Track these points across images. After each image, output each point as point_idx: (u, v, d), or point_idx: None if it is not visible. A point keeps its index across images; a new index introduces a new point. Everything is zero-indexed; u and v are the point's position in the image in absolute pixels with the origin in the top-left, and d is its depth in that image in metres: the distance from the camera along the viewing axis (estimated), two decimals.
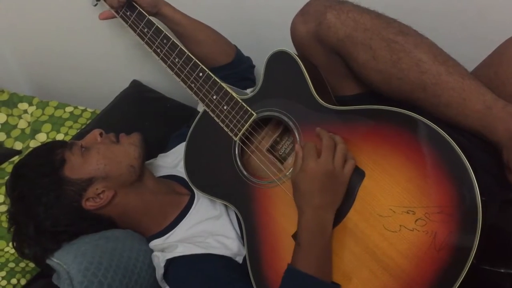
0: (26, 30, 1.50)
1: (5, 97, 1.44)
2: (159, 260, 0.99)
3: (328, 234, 0.86)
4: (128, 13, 1.10)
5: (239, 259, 1.01)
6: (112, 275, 0.94)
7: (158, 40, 1.06)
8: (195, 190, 1.07)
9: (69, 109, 1.44)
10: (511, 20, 1.08)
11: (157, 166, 1.19)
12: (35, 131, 1.40)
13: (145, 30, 1.08)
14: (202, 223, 1.05)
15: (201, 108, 1.05)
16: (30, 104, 1.45)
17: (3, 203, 1.25)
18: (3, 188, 1.20)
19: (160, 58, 1.06)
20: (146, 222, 1.05)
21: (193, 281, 0.95)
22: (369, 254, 0.84)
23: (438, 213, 0.79)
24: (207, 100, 1.01)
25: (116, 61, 1.51)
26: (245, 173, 0.98)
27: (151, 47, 1.08)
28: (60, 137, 1.39)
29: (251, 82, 1.25)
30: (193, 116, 1.07)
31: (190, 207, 1.07)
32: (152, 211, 1.05)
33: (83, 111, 1.45)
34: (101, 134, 1.05)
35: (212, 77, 1.00)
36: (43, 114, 1.43)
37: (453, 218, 0.78)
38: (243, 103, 0.98)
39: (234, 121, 0.99)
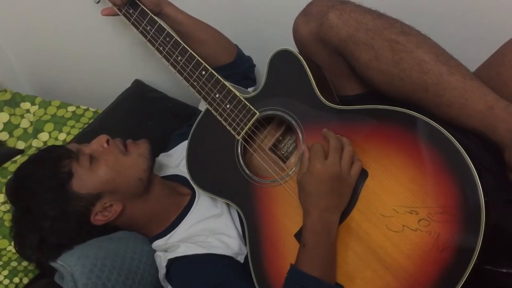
0: (29, 30, 1.50)
1: (7, 96, 1.45)
2: (161, 260, 0.99)
3: (333, 236, 0.85)
4: (130, 11, 1.10)
5: (241, 258, 1.01)
6: (116, 277, 0.94)
7: (161, 38, 1.06)
8: (196, 189, 1.07)
9: (71, 108, 1.44)
10: None
11: (159, 166, 1.19)
12: (38, 130, 1.41)
13: (148, 28, 1.08)
14: (203, 221, 1.05)
15: (202, 107, 1.05)
16: (33, 103, 1.46)
17: (5, 202, 1.24)
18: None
19: (163, 56, 1.06)
20: (150, 225, 1.05)
21: (195, 281, 0.95)
22: (371, 254, 0.84)
23: (441, 213, 0.79)
24: (209, 99, 1.01)
25: (118, 60, 1.51)
26: (247, 172, 0.98)
27: (153, 45, 1.07)
28: (62, 136, 1.39)
29: (252, 82, 1.25)
30: (194, 115, 1.07)
31: (191, 206, 1.07)
32: (157, 215, 1.05)
33: (85, 110, 1.45)
34: (107, 141, 1.02)
35: (215, 75, 1.00)
36: (45, 113, 1.43)
37: (456, 219, 0.78)
38: (246, 102, 0.98)
39: (237, 120, 0.99)
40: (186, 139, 1.06)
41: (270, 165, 0.98)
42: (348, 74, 0.98)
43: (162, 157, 1.23)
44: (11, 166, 1.32)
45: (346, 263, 0.86)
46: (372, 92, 0.96)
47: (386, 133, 0.86)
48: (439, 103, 0.85)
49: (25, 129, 1.44)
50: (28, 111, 1.45)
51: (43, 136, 1.40)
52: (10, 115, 1.43)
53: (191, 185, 1.08)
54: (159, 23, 1.07)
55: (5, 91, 1.46)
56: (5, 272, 1.12)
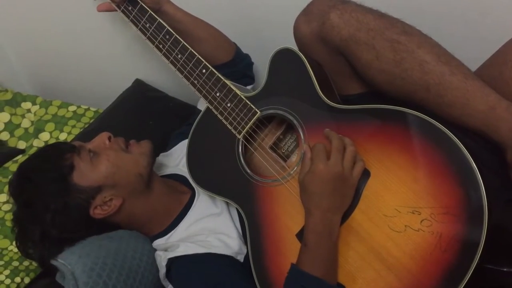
0: (29, 30, 1.50)
1: (8, 96, 1.45)
2: (161, 259, 1.00)
3: (335, 236, 0.85)
4: (129, 8, 1.09)
5: (240, 258, 1.01)
6: (117, 275, 0.94)
7: (161, 36, 1.05)
8: (196, 188, 1.07)
9: (72, 108, 1.44)
10: None
11: (159, 165, 1.19)
12: (39, 130, 1.41)
13: (147, 25, 1.07)
14: (202, 220, 1.05)
15: (201, 105, 1.05)
16: (34, 103, 1.46)
17: (7, 202, 1.25)
18: (7, 187, 1.20)
19: (163, 54, 1.05)
20: (150, 223, 1.05)
21: (195, 280, 0.95)
22: (373, 254, 0.84)
23: (444, 213, 0.79)
24: (210, 97, 1.01)
25: (118, 60, 1.51)
26: (248, 171, 0.98)
27: (153, 43, 1.07)
28: (63, 136, 1.39)
29: (250, 80, 1.25)
30: (195, 114, 1.07)
31: (191, 205, 1.07)
32: (156, 213, 1.05)
33: (86, 110, 1.45)
34: (109, 138, 1.03)
35: (216, 74, 1.00)
36: (46, 113, 1.43)
37: (459, 219, 0.78)
38: (247, 101, 0.97)
39: (238, 119, 0.98)
40: (186, 138, 1.06)
41: (271, 164, 0.98)
42: (349, 74, 0.98)
43: (162, 157, 1.23)
44: (12, 166, 1.32)
45: (348, 263, 0.86)
46: (374, 91, 0.96)
47: (388, 132, 0.86)
48: (440, 103, 0.85)
49: (26, 129, 1.44)
50: (29, 111, 1.45)
51: (44, 136, 1.40)
52: (11, 115, 1.43)
53: (190, 184, 1.08)
54: (159, 21, 1.06)
55: (6, 91, 1.46)
56: (7, 272, 1.12)
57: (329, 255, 0.85)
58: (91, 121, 1.42)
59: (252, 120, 0.97)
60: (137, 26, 1.09)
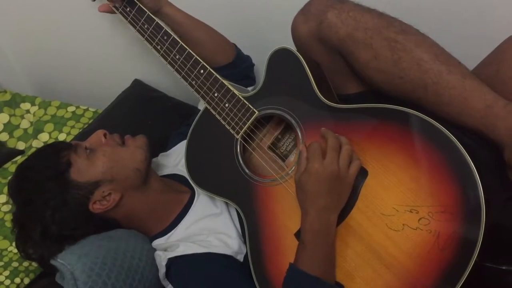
0: (28, 30, 1.51)
1: (7, 97, 1.45)
2: (161, 259, 1.00)
3: (332, 235, 0.86)
4: (127, 9, 1.09)
5: (240, 258, 1.01)
6: (116, 275, 0.94)
7: (159, 37, 1.05)
8: (195, 188, 1.07)
9: (71, 108, 1.44)
10: None
11: (158, 165, 1.19)
12: (38, 131, 1.41)
13: (145, 26, 1.07)
14: (202, 220, 1.05)
15: (201, 106, 1.05)
16: (33, 104, 1.46)
17: (6, 202, 1.25)
18: (6, 188, 1.20)
19: (161, 55, 1.06)
20: (150, 222, 1.06)
21: (194, 280, 0.95)
22: (372, 253, 0.84)
23: (442, 212, 0.79)
24: (208, 98, 1.01)
25: (117, 60, 1.51)
26: (246, 171, 0.98)
27: (151, 44, 1.07)
28: (62, 136, 1.40)
29: (251, 81, 1.25)
30: (193, 115, 1.07)
31: (191, 205, 1.07)
32: (156, 211, 1.05)
33: (85, 110, 1.45)
34: (105, 135, 1.04)
35: (214, 74, 1.00)
36: (45, 114, 1.43)
37: (457, 217, 0.78)
38: (244, 101, 0.98)
39: (236, 119, 0.99)
40: (185, 138, 1.07)
41: (270, 164, 0.98)
42: (347, 73, 0.98)
43: (161, 157, 1.23)
44: (12, 167, 1.33)
45: (346, 262, 0.86)
46: (371, 91, 0.96)
47: (386, 131, 0.86)
48: (438, 102, 0.85)
49: (25, 130, 1.44)
50: (28, 111, 1.45)
51: (43, 137, 1.40)
52: (10, 115, 1.43)
53: (190, 184, 1.08)
54: (157, 21, 1.06)
55: (5, 91, 1.46)
56: (6, 273, 1.12)
57: (327, 254, 0.86)
58: (90, 121, 1.42)
59: (250, 120, 0.97)
60: (135, 27, 1.09)
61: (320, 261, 0.85)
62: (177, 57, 1.03)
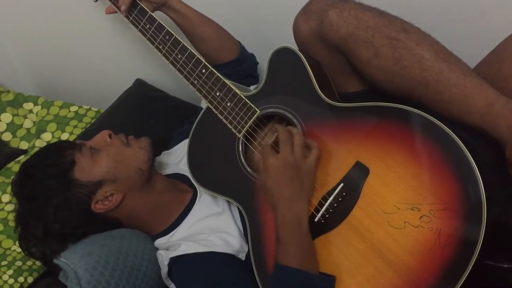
0: (31, 30, 1.51)
1: (10, 97, 1.45)
2: (163, 258, 1.00)
3: (305, 224, 0.87)
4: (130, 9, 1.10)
5: (242, 256, 1.01)
6: (119, 274, 0.94)
7: (160, 37, 1.06)
8: (198, 187, 1.07)
9: (73, 108, 1.45)
10: None
11: (161, 164, 1.20)
12: (41, 130, 1.41)
13: (147, 26, 1.08)
14: (204, 219, 1.05)
15: (204, 104, 1.05)
16: (35, 104, 1.46)
17: (10, 202, 1.25)
18: (10, 187, 1.20)
19: (163, 55, 1.06)
20: (152, 221, 1.06)
21: (196, 279, 0.95)
22: (373, 250, 0.84)
23: (443, 210, 0.79)
24: (210, 97, 1.01)
25: (119, 60, 1.51)
26: (248, 169, 0.99)
27: (153, 44, 1.07)
28: (65, 136, 1.40)
29: (255, 79, 1.25)
30: (196, 113, 1.08)
31: (193, 205, 1.07)
32: (158, 211, 1.05)
33: (87, 110, 1.45)
34: (110, 136, 1.05)
35: (215, 73, 1.00)
36: (48, 113, 1.43)
37: (458, 215, 0.78)
38: (246, 100, 0.98)
39: (238, 118, 0.99)
40: (187, 137, 1.07)
41: None
42: (348, 71, 0.98)
43: (164, 156, 1.23)
44: (15, 167, 1.33)
45: (348, 260, 0.86)
46: (372, 89, 0.96)
47: (387, 130, 0.86)
48: (439, 100, 0.85)
49: (28, 129, 1.44)
50: (31, 111, 1.46)
51: (46, 136, 1.41)
52: (13, 115, 1.43)
53: (192, 183, 1.08)
54: (159, 21, 1.07)
55: (8, 91, 1.46)
56: (10, 272, 1.13)
57: (303, 244, 0.86)
58: (93, 121, 1.43)
59: (252, 119, 0.97)
60: (137, 27, 1.10)
61: (297, 252, 0.85)
62: (179, 56, 1.04)
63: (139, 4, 1.08)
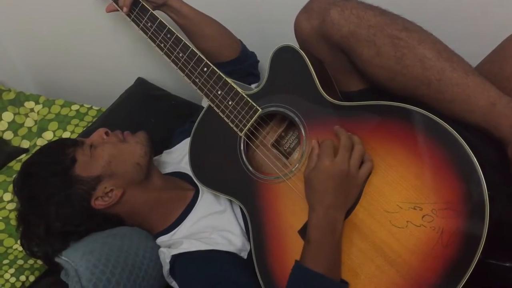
0: (32, 29, 1.51)
1: (11, 96, 1.45)
2: (165, 256, 1.00)
3: (338, 233, 0.86)
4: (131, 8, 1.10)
5: (244, 255, 1.01)
6: (120, 271, 0.95)
7: (162, 35, 1.06)
8: (199, 185, 1.07)
9: (75, 107, 1.45)
10: None
11: (162, 163, 1.20)
12: (42, 129, 1.41)
13: (148, 24, 1.08)
14: (206, 218, 1.05)
15: (205, 103, 1.05)
16: (37, 102, 1.46)
17: (11, 201, 1.25)
18: (11, 186, 1.20)
19: (164, 53, 1.06)
20: (153, 219, 1.06)
21: (198, 277, 0.95)
22: (375, 250, 0.84)
23: (445, 209, 0.79)
24: (211, 96, 1.01)
25: (121, 59, 1.51)
26: (250, 168, 0.99)
27: (154, 42, 1.07)
28: (66, 135, 1.40)
29: (256, 78, 1.25)
30: (197, 112, 1.08)
31: (195, 203, 1.07)
32: (159, 208, 1.06)
33: (89, 109, 1.45)
34: (106, 133, 1.06)
35: (217, 72, 1.00)
36: (49, 112, 1.44)
37: (460, 214, 0.78)
38: (248, 99, 0.98)
39: (239, 117, 0.99)
40: (189, 136, 1.06)
41: (273, 161, 0.99)
42: (350, 70, 0.98)
43: (165, 154, 1.23)
44: (16, 165, 1.33)
45: (350, 259, 0.86)
46: (374, 88, 0.96)
47: (389, 129, 0.86)
48: (441, 99, 0.85)
49: (29, 128, 1.44)
50: (32, 110, 1.46)
51: (48, 135, 1.41)
52: (15, 114, 1.44)
53: (193, 181, 1.08)
54: (160, 20, 1.06)
55: (9, 90, 1.46)
56: (12, 270, 1.13)
57: (332, 252, 0.86)
58: (94, 119, 1.43)
59: (254, 118, 0.97)
60: (138, 26, 1.10)
61: (325, 258, 0.85)
62: (180, 55, 1.04)
63: (140, 2, 1.08)
